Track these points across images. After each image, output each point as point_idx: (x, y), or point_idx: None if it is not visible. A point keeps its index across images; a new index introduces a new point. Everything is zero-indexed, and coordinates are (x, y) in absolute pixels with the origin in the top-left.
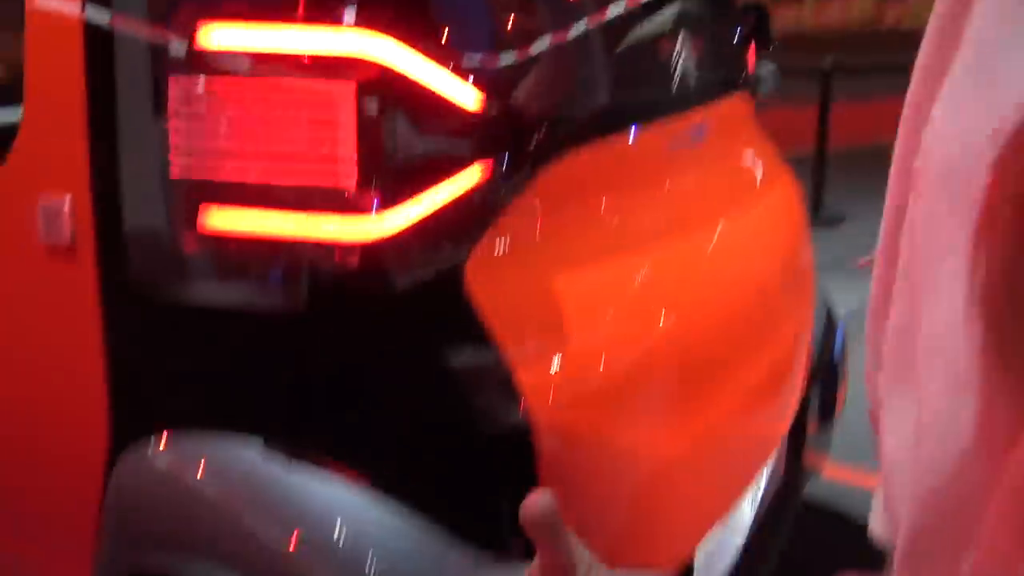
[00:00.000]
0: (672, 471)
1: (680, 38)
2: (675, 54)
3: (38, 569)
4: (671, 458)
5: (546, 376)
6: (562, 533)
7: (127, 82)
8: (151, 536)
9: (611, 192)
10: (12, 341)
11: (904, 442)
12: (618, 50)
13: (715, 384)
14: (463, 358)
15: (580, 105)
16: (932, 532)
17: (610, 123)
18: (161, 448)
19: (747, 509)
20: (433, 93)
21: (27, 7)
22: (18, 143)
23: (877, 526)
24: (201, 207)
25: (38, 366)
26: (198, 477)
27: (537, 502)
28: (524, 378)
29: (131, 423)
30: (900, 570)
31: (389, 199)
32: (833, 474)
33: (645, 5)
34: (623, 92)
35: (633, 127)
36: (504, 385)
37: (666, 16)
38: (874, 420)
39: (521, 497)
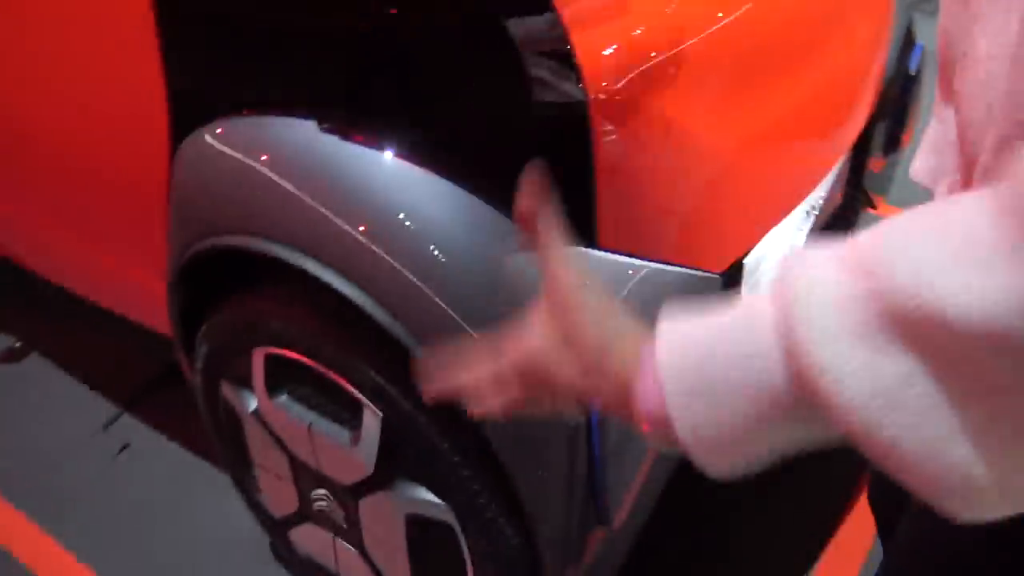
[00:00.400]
0: (728, 170)
1: None
2: None
3: (115, 270)
4: (727, 156)
5: (605, 53)
6: (553, 243)
7: None
8: (216, 218)
9: None
10: (65, 36)
11: (1001, 47)
12: None
13: (777, 82)
14: (519, 27)
15: None
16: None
17: None
18: (218, 132)
19: (800, 227)
20: None
21: None
22: None
23: (920, 171)
24: None
25: (92, 59)
26: (254, 157)
27: (526, 206)
28: (582, 55)
29: (189, 111)
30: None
31: None
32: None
33: None
34: None
35: None
36: (562, 59)
37: None
38: (944, 64)
39: (573, 178)
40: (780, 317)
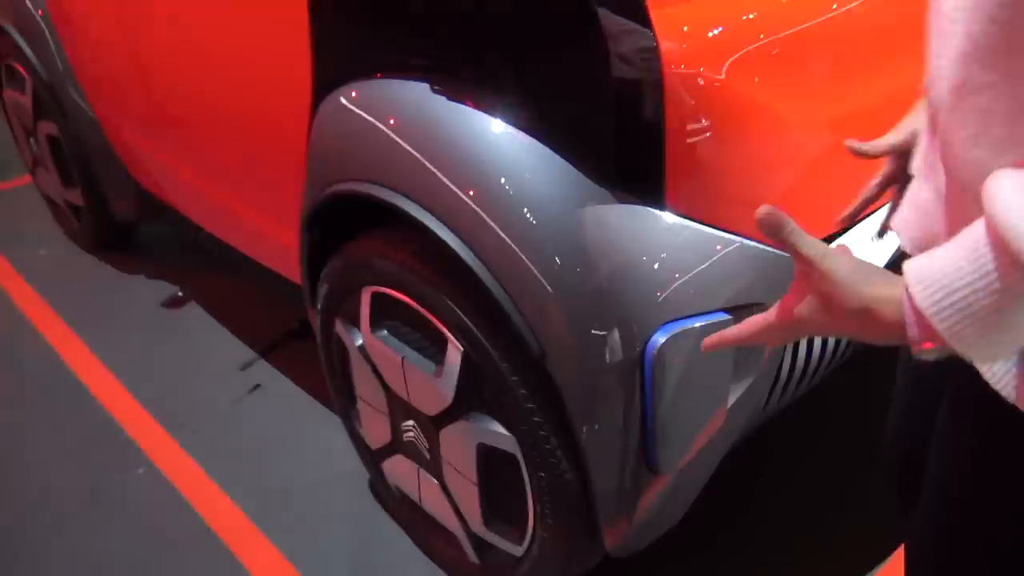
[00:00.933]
0: (815, 159)
1: None
2: None
3: (261, 222)
4: (816, 144)
5: (682, 40)
6: (792, 229)
7: None
8: (344, 167)
9: None
10: (231, 9)
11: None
12: None
13: (882, 79)
14: (607, 9)
15: None
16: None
17: None
18: (352, 95)
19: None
20: None
21: None
22: None
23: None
24: None
25: (253, 32)
26: (381, 118)
27: (763, 211)
28: (668, 34)
29: (329, 74)
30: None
31: None
32: None
33: None
34: None
35: None
36: (642, 38)
37: None
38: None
39: (645, 144)
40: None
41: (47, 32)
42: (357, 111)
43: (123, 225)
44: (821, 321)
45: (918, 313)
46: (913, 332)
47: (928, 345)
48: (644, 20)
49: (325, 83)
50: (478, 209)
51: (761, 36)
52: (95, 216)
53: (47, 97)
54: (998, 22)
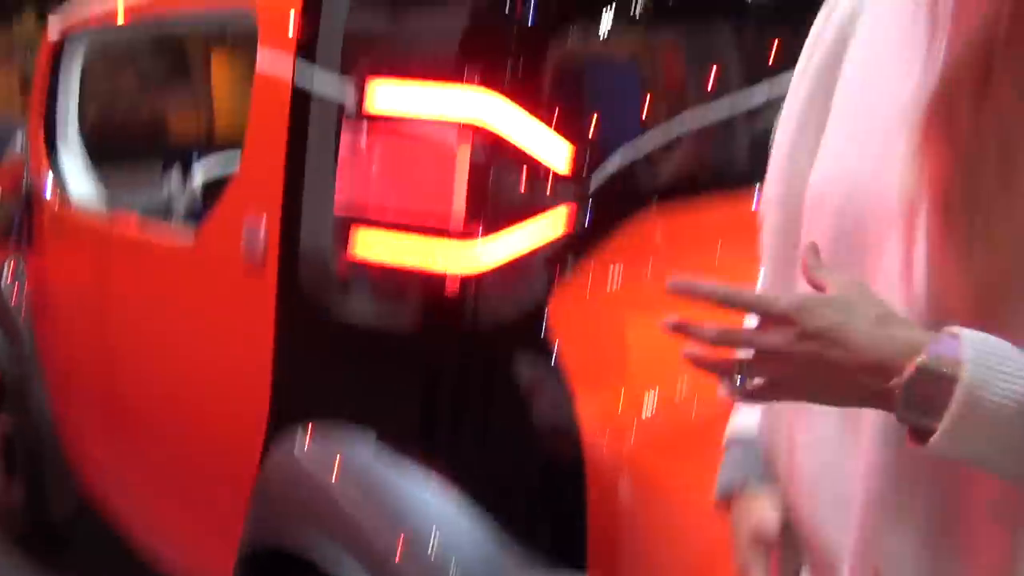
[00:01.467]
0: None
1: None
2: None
3: (195, 543)
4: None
5: (603, 414)
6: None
7: (316, 132)
8: (287, 517)
9: (691, 249)
10: (203, 343)
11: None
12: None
13: None
14: (536, 384)
15: (665, 170)
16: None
17: (696, 185)
18: (301, 442)
19: None
20: (530, 155)
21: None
22: (238, 173)
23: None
24: (351, 236)
25: (220, 366)
26: (324, 471)
27: (809, 247)
28: (584, 412)
29: (284, 417)
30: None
31: (488, 231)
32: None
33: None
34: (710, 159)
35: (722, 190)
36: (567, 415)
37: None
38: None
39: (572, 518)
40: None
41: (25, 332)
42: (302, 460)
43: (59, 525)
44: (839, 316)
45: (954, 337)
46: (935, 347)
47: (916, 370)
48: (568, 402)
49: (278, 424)
50: (405, 571)
51: (688, 419)
52: (31, 513)
53: (12, 391)
54: None
